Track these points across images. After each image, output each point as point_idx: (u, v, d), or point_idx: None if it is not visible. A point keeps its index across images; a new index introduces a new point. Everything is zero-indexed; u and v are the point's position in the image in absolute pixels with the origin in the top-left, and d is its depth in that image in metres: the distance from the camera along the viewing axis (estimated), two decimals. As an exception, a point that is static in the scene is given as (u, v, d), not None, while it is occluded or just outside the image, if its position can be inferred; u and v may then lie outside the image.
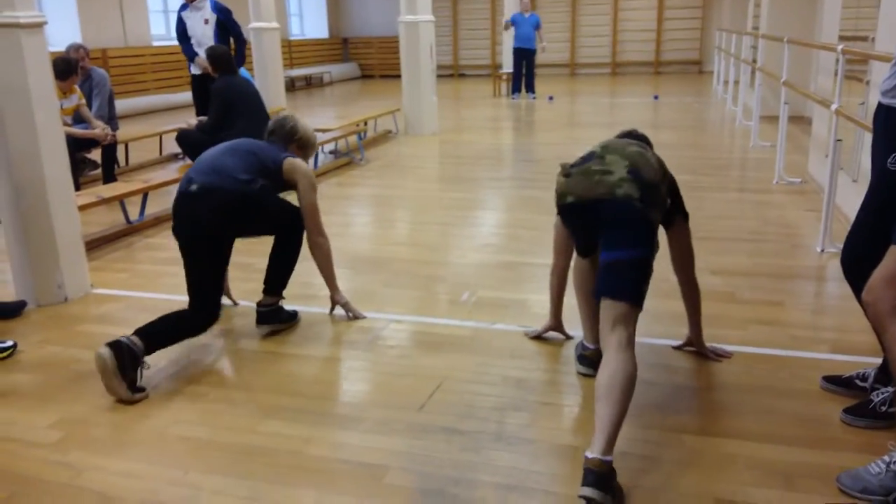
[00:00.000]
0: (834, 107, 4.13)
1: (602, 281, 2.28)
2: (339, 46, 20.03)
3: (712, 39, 16.07)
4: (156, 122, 10.19)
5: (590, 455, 1.94)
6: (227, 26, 6.65)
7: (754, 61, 8.96)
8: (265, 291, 3.26)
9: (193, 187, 2.93)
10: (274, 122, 3.37)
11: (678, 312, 3.34)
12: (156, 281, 4.00)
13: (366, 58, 19.96)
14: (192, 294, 2.95)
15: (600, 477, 1.91)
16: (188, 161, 6.00)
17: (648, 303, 3.47)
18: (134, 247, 4.64)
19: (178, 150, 7.10)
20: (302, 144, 3.39)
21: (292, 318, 3.34)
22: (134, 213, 5.05)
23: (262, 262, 4.19)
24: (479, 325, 3.27)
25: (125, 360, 2.64)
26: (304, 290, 3.80)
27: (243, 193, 2.97)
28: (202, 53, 6.54)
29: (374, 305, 3.55)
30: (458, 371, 2.84)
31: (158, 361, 2.98)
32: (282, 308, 3.30)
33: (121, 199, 4.86)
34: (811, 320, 3.29)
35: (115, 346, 2.64)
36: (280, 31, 10.29)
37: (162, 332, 2.83)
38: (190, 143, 5.80)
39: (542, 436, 2.39)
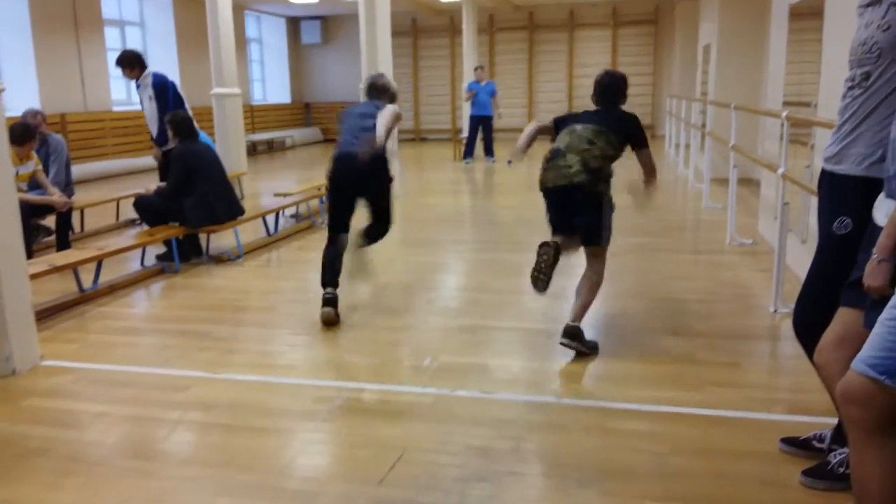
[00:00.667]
0: (780, 171, 4.29)
1: (583, 236, 3.72)
2: (302, 111, 20.25)
3: (663, 105, 16.67)
4: (114, 188, 10.09)
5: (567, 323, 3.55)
6: (158, 102, 6.27)
7: (704, 126, 9.30)
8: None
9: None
10: (373, 81, 4.52)
11: (638, 375, 3.37)
12: (108, 352, 3.89)
13: (328, 122, 20.18)
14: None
15: (570, 331, 3.55)
16: (145, 227, 5.92)
17: (606, 365, 3.51)
18: (86, 316, 4.52)
19: (135, 215, 7.01)
20: (392, 96, 4.52)
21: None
22: (88, 281, 4.94)
23: (220, 331, 4.12)
24: (440, 392, 3.24)
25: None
26: (261, 358, 3.73)
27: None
28: (153, 131, 6.42)
29: (332, 373, 3.49)
30: (420, 441, 2.79)
31: (104, 437, 2.87)
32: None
33: (74, 267, 4.76)
34: (767, 381, 3.34)
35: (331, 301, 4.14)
36: (242, 97, 10.38)
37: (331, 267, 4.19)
38: (148, 208, 5.74)
39: (505, 507, 2.35)
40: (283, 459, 2.70)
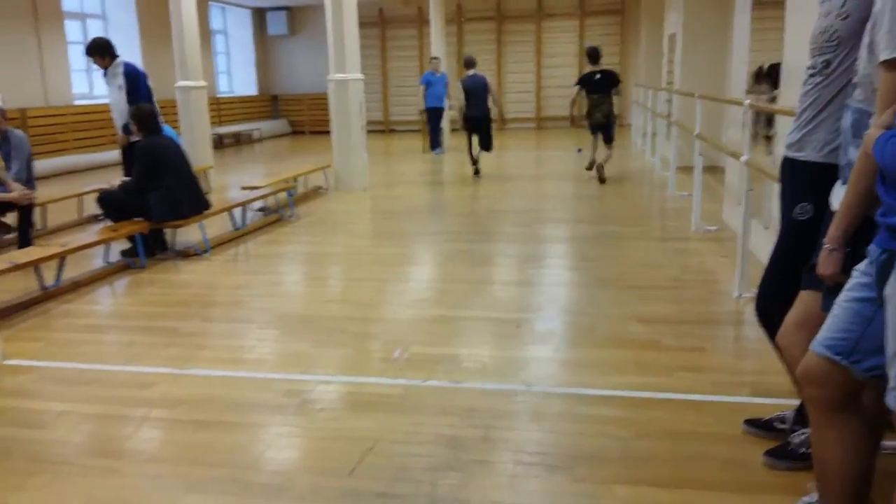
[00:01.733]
0: (744, 158, 4.35)
1: (605, 136, 9.04)
2: (269, 103, 20.03)
3: (630, 94, 16.80)
4: (76, 183, 9.90)
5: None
6: (129, 92, 6.19)
7: (669, 115, 9.39)
8: None
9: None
10: (469, 57, 8.64)
11: (605, 362, 3.41)
12: (73, 349, 3.83)
13: (296, 114, 20.01)
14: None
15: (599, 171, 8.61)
16: (109, 223, 5.82)
17: (575, 352, 3.54)
18: (50, 314, 4.44)
19: (98, 211, 6.88)
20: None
21: None
22: (50, 278, 4.85)
23: (187, 326, 4.08)
24: (410, 383, 3.24)
25: None
26: (230, 353, 3.70)
27: None
28: (118, 122, 6.34)
29: (302, 367, 3.48)
30: (390, 432, 2.79)
31: (68, 436, 2.83)
32: None
33: (36, 265, 4.66)
34: (732, 365, 3.40)
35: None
36: (207, 89, 10.23)
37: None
38: (112, 204, 5.65)
39: (477, 496, 2.36)
40: (253, 454, 2.68)
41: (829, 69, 2.13)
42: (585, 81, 9.04)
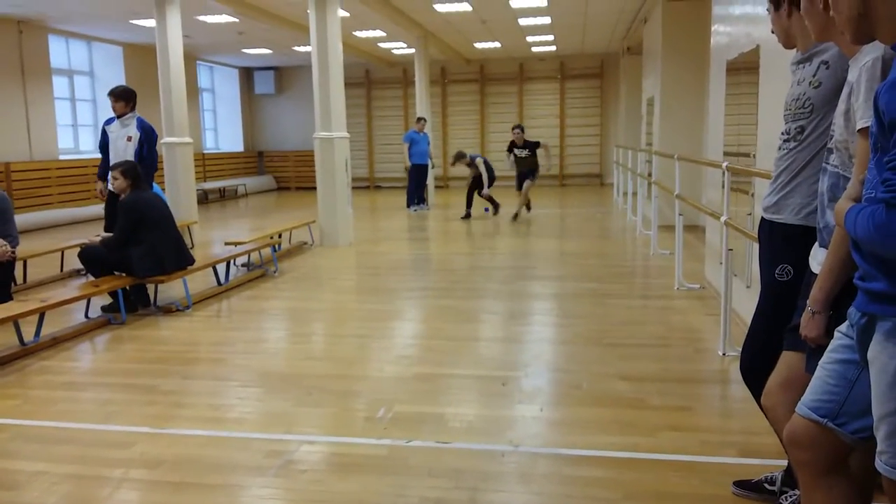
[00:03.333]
0: (723, 219, 4.43)
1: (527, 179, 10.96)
2: (255, 159, 20.19)
3: (611, 154, 17.14)
4: (59, 238, 9.84)
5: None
6: (144, 144, 6.48)
7: (650, 175, 9.58)
8: None
9: None
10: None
11: (592, 421, 3.39)
12: (49, 408, 3.74)
13: (281, 170, 20.15)
14: None
15: (515, 215, 9.11)
16: (90, 278, 5.76)
17: (561, 411, 3.52)
18: (27, 370, 4.35)
19: (80, 266, 6.83)
20: None
21: None
22: (29, 334, 4.77)
23: (167, 384, 4.01)
24: (395, 443, 3.19)
25: None
26: (210, 412, 3.64)
27: None
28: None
29: (284, 427, 3.42)
30: (375, 495, 2.74)
31: (43, 497, 2.74)
32: None
33: (15, 320, 4.59)
34: (719, 424, 3.39)
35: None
36: (193, 145, 10.31)
37: None
38: (94, 259, 5.61)
39: (462, 559, 2.31)
40: (233, 517, 2.61)
41: (802, 135, 2.21)
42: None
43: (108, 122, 6.62)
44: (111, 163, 6.52)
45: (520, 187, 11.51)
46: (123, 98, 6.45)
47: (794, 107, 2.23)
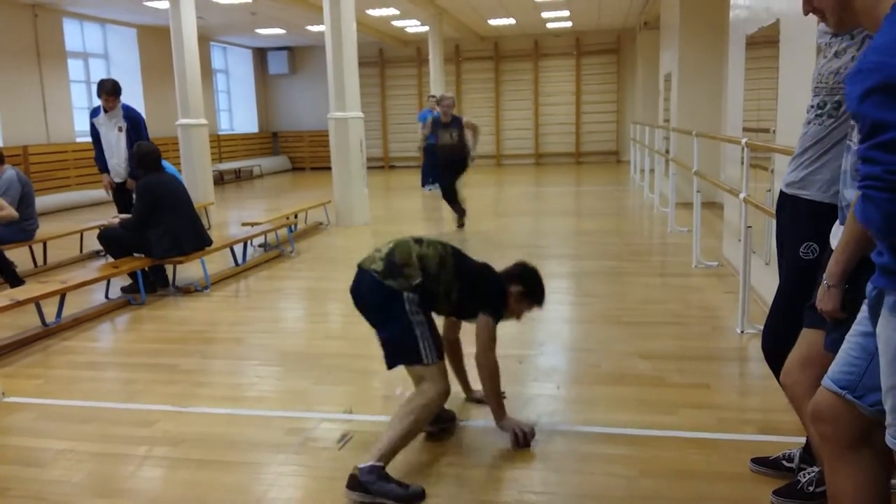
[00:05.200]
0: (742, 195, 4.39)
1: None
2: (269, 140, 20.22)
3: (628, 131, 16.99)
4: (77, 220, 9.93)
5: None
6: (133, 133, 6.36)
7: (667, 152, 9.49)
8: None
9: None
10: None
11: (610, 399, 3.39)
12: (72, 387, 3.80)
13: (296, 151, 20.18)
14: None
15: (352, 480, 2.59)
16: (110, 259, 5.82)
17: (578, 389, 3.52)
18: (49, 351, 4.42)
19: (99, 247, 6.90)
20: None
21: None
22: (50, 315, 4.83)
23: (188, 363, 4.06)
24: (413, 421, 3.20)
25: None
26: (231, 391, 3.68)
27: None
28: (113, 162, 6.43)
29: (304, 404, 3.45)
30: (393, 471, 2.76)
31: (68, 475, 2.80)
32: None
33: (36, 301, 4.66)
34: (737, 402, 3.38)
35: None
36: (208, 127, 10.34)
37: None
38: (113, 240, 5.66)
39: (481, 535, 2.33)
40: (255, 493, 2.65)
41: (839, 110, 2.12)
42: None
43: (94, 114, 6.48)
44: (106, 156, 6.51)
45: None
46: (116, 93, 6.29)
47: (832, 80, 2.13)
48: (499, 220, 9.46)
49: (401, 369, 2.88)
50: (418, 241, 2.91)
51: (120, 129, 6.29)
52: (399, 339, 2.79)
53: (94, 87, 6.61)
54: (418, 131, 13.21)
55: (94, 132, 6.55)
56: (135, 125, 6.37)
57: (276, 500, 2.61)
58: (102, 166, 6.61)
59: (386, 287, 2.75)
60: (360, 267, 2.86)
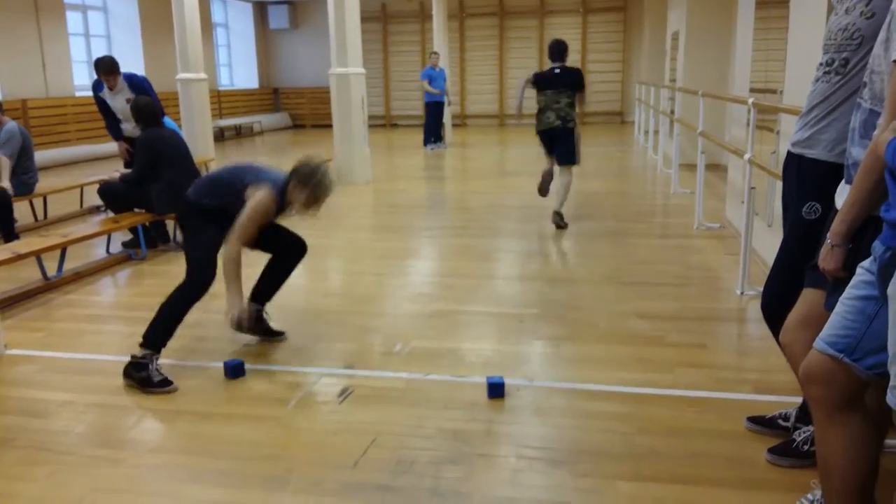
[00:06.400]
0: (747, 156, 4.35)
1: (560, 158, 6.37)
2: (270, 96, 20.01)
3: (633, 91, 16.78)
4: (77, 174, 9.89)
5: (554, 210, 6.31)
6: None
7: (672, 112, 9.39)
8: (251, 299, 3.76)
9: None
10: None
11: (609, 357, 3.41)
12: (74, 340, 3.83)
13: (297, 108, 19.99)
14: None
15: (556, 215, 6.20)
16: (110, 214, 5.80)
17: (577, 348, 3.54)
18: (51, 304, 4.43)
19: (99, 202, 6.88)
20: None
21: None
22: (52, 269, 4.84)
23: (189, 318, 4.08)
24: (412, 377, 3.24)
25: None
26: (231, 346, 3.70)
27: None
28: (129, 127, 6.29)
29: (304, 360, 3.48)
30: (393, 425, 2.80)
31: (71, 426, 2.83)
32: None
33: (38, 255, 4.66)
34: (735, 361, 3.40)
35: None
36: (208, 82, 10.22)
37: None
38: (113, 195, 5.63)
39: (479, 489, 2.36)
40: (255, 446, 2.68)
41: (846, 67, 2.09)
42: (539, 80, 6.51)
43: (98, 87, 6.27)
44: (121, 120, 6.37)
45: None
46: (114, 70, 6.07)
47: (840, 37, 2.09)
48: (500, 181, 9.40)
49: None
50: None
51: (128, 101, 6.13)
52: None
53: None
54: (424, 88, 13.05)
55: (102, 103, 6.41)
56: (141, 93, 6.23)
57: (275, 452, 2.64)
58: (116, 134, 6.46)
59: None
60: None
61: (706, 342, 3.60)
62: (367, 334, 3.84)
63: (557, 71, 6.42)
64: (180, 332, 3.86)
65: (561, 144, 6.32)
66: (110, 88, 6.17)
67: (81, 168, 11.09)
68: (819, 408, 1.87)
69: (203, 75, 9.80)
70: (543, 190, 6.58)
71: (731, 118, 6.75)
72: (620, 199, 7.64)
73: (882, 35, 1.76)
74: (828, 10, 2.27)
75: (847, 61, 2.08)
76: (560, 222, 6.17)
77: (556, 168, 6.45)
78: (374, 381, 3.23)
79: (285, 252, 3.76)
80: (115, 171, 5.95)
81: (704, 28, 9.76)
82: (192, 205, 3.48)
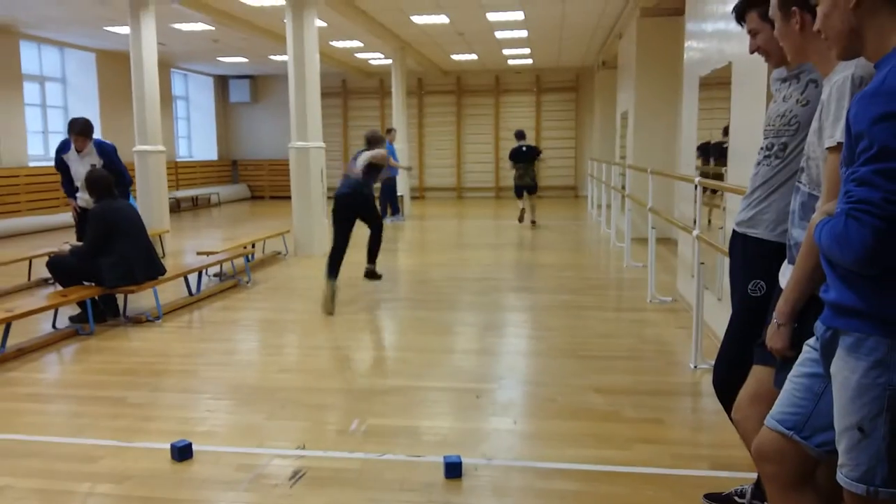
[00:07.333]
0: (695, 233, 4.49)
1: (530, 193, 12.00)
2: (229, 168, 20.04)
3: (585, 167, 17.29)
4: (27, 246, 9.66)
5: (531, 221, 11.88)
6: (110, 168, 6.08)
7: (623, 188, 9.67)
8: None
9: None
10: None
11: (566, 434, 3.39)
12: (14, 420, 3.66)
13: (256, 179, 20.03)
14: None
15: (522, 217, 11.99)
16: (59, 288, 5.66)
17: (534, 424, 3.51)
18: (-10, 382, 4.25)
19: (48, 275, 6.71)
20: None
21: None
22: (-7, 345, 4.66)
23: (136, 396, 3.95)
24: (368, 457, 3.17)
25: None
26: (180, 425, 3.58)
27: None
28: (83, 196, 6.24)
29: (256, 440, 3.38)
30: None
31: (9, 514, 2.68)
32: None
33: (-21, 330, 4.49)
34: (691, 437, 3.41)
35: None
36: (166, 154, 10.21)
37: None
38: (63, 269, 5.50)
39: (434, 575, 2.29)
40: (202, 533, 2.56)
41: (785, 152, 2.20)
42: (514, 154, 11.85)
43: (64, 149, 6.26)
44: (77, 184, 6.30)
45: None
46: (87, 133, 6.09)
47: (778, 123, 2.22)
48: (458, 253, 9.49)
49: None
50: None
51: (93, 167, 6.08)
52: None
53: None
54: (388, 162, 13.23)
55: (63, 165, 6.33)
56: (110, 160, 6.18)
57: (224, 540, 2.53)
58: (69, 191, 6.41)
59: None
60: None
61: (662, 417, 3.61)
62: (322, 412, 3.76)
63: (524, 149, 11.83)
64: (126, 411, 3.74)
65: (530, 188, 11.91)
66: (78, 151, 6.12)
67: (30, 240, 10.84)
68: (772, 485, 1.88)
69: (161, 147, 9.79)
70: (521, 219, 11.99)
71: (679, 194, 6.98)
72: (575, 273, 7.76)
73: (815, 124, 1.87)
74: (767, 95, 2.41)
75: (786, 146, 2.20)
76: (537, 224, 11.93)
77: (527, 199, 11.82)
78: (327, 461, 3.15)
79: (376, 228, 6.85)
80: (65, 242, 5.83)
81: (652, 108, 10.19)
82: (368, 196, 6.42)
